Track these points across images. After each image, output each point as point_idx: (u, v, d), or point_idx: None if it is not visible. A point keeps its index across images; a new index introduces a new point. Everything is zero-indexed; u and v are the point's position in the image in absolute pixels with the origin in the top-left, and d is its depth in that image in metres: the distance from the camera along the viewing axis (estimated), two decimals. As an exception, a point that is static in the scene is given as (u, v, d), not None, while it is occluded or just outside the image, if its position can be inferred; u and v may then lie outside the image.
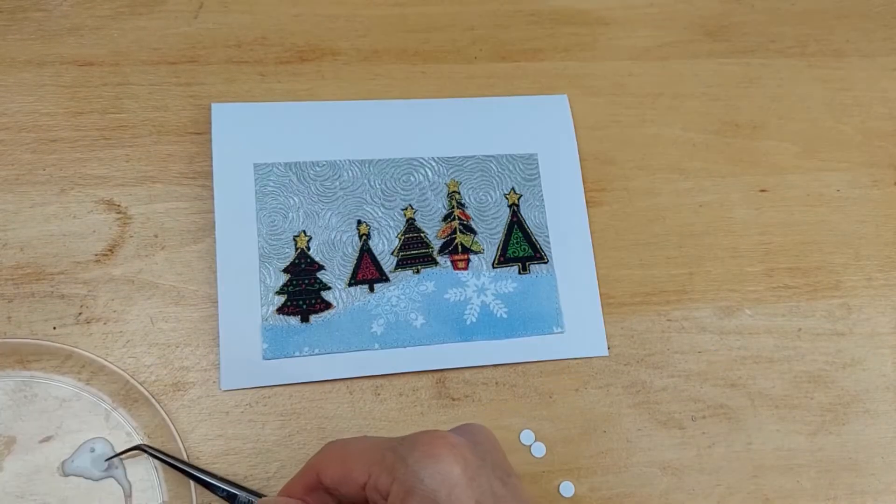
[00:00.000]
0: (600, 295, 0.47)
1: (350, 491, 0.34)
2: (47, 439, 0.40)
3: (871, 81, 0.55)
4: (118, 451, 0.40)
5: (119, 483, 0.40)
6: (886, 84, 0.56)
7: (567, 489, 0.44)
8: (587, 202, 0.49)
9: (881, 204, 0.52)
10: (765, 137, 0.53)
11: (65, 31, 0.47)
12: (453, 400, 0.44)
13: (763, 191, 0.51)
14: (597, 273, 0.48)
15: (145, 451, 0.40)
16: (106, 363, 0.41)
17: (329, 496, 0.35)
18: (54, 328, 0.42)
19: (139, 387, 0.40)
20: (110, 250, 0.44)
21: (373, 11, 0.51)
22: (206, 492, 0.40)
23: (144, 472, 0.40)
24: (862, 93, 0.55)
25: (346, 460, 0.34)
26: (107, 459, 0.40)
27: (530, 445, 0.44)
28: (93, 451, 0.40)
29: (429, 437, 0.32)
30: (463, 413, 0.44)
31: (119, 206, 0.44)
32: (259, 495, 0.39)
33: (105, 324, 0.42)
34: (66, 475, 0.39)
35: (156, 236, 0.44)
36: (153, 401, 0.40)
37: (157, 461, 0.40)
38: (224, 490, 0.39)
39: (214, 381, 0.42)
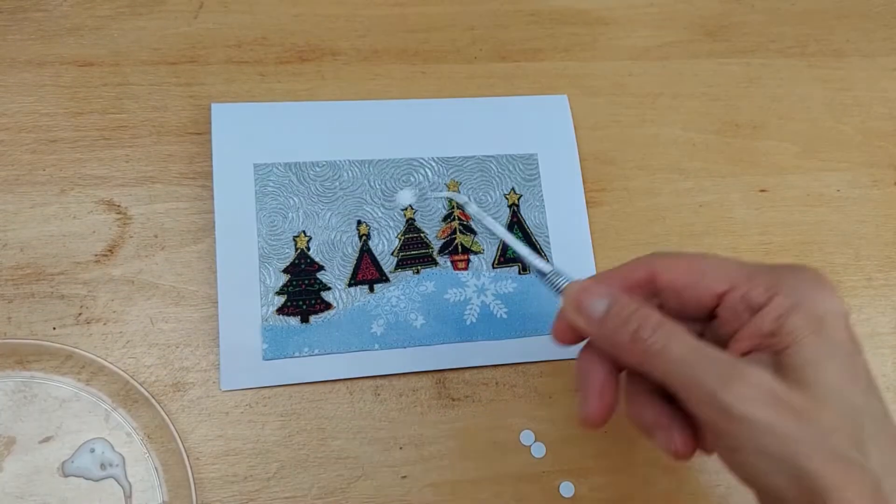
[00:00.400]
0: (600, 295, 0.47)
1: (697, 296, 0.35)
2: (47, 440, 0.40)
3: (871, 81, 0.55)
4: (116, 450, 0.40)
5: (119, 483, 0.40)
6: (886, 84, 0.56)
7: (567, 489, 0.44)
8: (587, 202, 0.49)
9: (881, 204, 0.52)
10: (765, 137, 0.53)
11: (65, 31, 0.47)
12: (453, 400, 0.44)
13: (763, 191, 0.51)
14: (597, 273, 0.48)
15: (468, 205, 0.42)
16: (106, 363, 0.41)
17: (651, 299, 0.35)
18: (54, 328, 0.42)
19: (139, 387, 0.40)
20: (110, 250, 0.44)
21: (373, 11, 0.51)
22: (206, 492, 0.40)
23: (144, 472, 0.40)
24: (862, 93, 0.55)
25: (700, 268, 0.35)
26: (435, 196, 0.42)
27: (530, 445, 0.44)
28: (92, 451, 0.40)
29: (810, 269, 0.34)
30: (463, 413, 0.44)
31: (119, 206, 0.44)
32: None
33: (105, 324, 0.42)
34: (66, 476, 0.39)
35: (156, 236, 0.44)
36: (153, 401, 0.40)
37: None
38: (539, 267, 0.38)
39: (214, 382, 0.42)
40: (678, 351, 0.32)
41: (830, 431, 0.30)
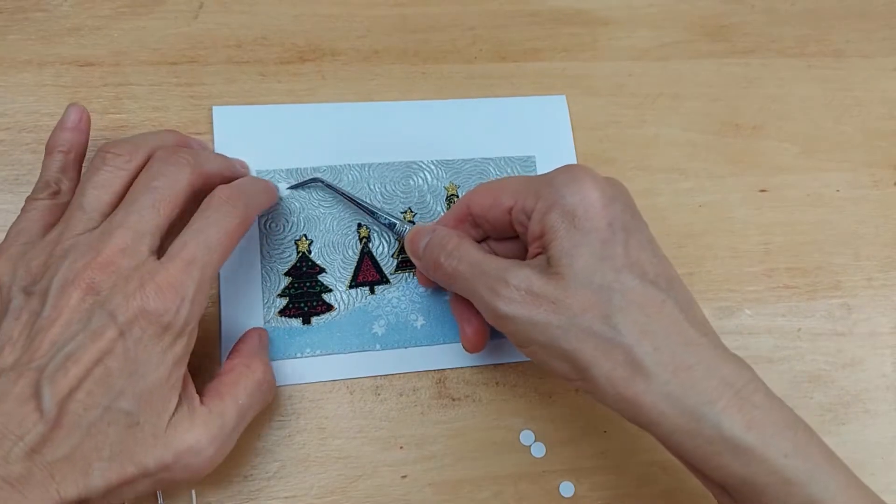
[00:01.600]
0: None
1: (496, 215, 0.39)
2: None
3: (871, 81, 0.55)
4: None
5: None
6: (886, 84, 0.56)
7: (567, 489, 0.44)
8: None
9: (881, 204, 0.53)
10: (765, 137, 0.53)
11: (65, 31, 0.47)
12: (453, 400, 0.44)
13: (763, 191, 0.52)
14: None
15: (322, 182, 0.45)
16: (106, 363, 0.40)
17: (475, 229, 0.41)
18: (54, 328, 0.42)
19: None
20: (110, 250, 0.43)
21: (373, 11, 0.51)
22: (207, 492, 0.40)
23: (145, 473, 0.40)
24: (862, 93, 0.55)
25: (494, 190, 0.39)
26: (289, 188, 0.45)
27: (530, 446, 0.44)
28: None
29: (573, 167, 0.37)
30: (463, 413, 0.44)
31: (119, 206, 0.44)
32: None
33: (105, 324, 0.42)
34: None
35: (156, 236, 0.44)
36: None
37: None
38: (386, 218, 0.44)
39: (215, 382, 0.42)
40: (464, 269, 0.37)
41: (581, 312, 0.33)
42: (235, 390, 0.37)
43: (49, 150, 0.40)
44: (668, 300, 0.34)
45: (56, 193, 0.39)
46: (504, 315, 0.35)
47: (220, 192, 0.37)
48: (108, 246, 0.34)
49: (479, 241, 0.41)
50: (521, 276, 0.35)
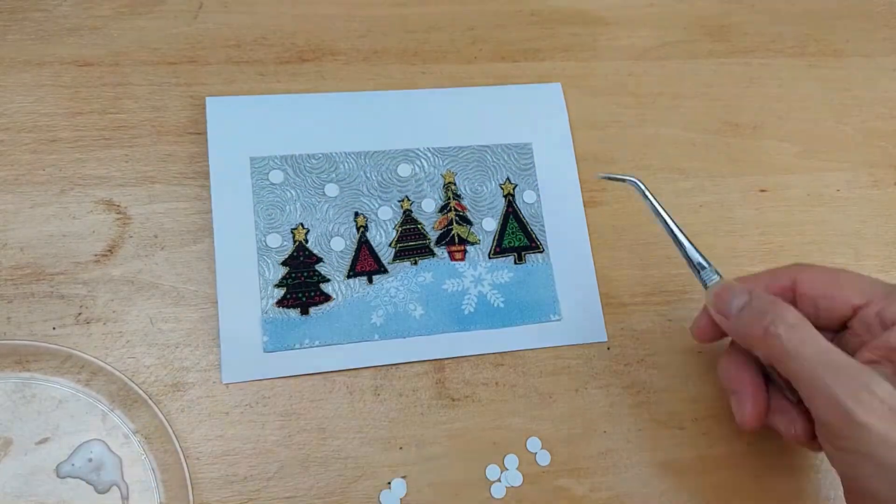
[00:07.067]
0: (600, 294, 0.47)
1: (833, 307, 0.37)
2: (44, 441, 0.40)
3: (871, 81, 0.55)
4: (114, 451, 0.40)
5: (117, 484, 0.40)
6: (886, 84, 0.56)
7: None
8: (586, 202, 0.49)
9: (881, 204, 0.52)
10: (765, 137, 0.53)
11: (64, 31, 0.47)
12: (453, 400, 0.44)
13: (763, 191, 0.51)
14: (596, 273, 0.48)
15: (638, 186, 0.42)
16: (104, 364, 0.40)
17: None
18: (54, 329, 0.42)
19: (137, 388, 0.40)
20: (110, 250, 0.44)
21: (373, 11, 0.51)
22: (206, 492, 0.40)
23: (142, 473, 0.40)
24: (862, 93, 0.55)
25: (839, 281, 0.37)
26: (602, 177, 0.44)
27: (536, 453, 0.44)
28: (91, 454, 0.40)
29: None
30: (463, 413, 0.44)
31: (119, 206, 0.44)
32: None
33: (105, 324, 0.42)
34: (62, 477, 0.39)
35: (155, 236, 0.44)
36: (150, 402, 0.40)
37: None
38: (697, 259, 0.41)
39: (214, 382, 0.42)
40: (809, 353, 0.34)
41: None
42: None
43: None
44: None
45: None
46: (860, 421, 0.32)
47: None
48: None
49: None
50: (887, 389, 0.32)
